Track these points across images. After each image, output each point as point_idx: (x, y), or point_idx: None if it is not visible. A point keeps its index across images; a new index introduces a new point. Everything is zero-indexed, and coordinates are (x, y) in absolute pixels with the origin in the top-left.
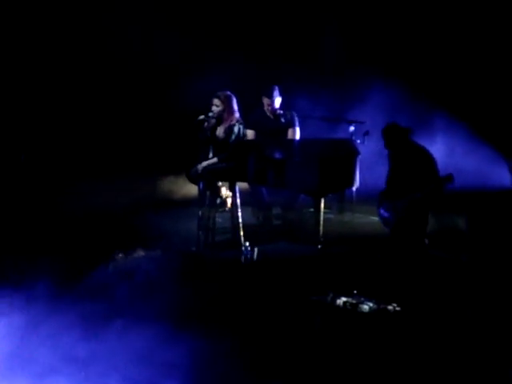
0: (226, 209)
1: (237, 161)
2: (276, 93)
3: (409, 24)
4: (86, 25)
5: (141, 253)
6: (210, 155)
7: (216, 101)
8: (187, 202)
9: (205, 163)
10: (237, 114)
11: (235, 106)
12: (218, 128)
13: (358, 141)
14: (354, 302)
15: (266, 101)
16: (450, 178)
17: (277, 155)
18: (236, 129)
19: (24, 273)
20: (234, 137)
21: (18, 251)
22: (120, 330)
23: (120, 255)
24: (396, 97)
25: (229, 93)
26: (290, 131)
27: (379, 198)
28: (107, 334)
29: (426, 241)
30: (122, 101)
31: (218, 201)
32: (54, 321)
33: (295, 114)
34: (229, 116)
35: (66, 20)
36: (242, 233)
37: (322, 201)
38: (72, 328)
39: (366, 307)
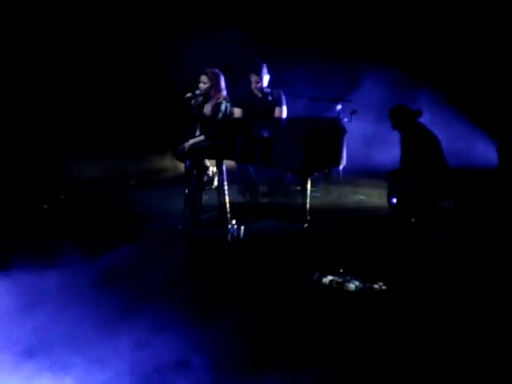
0: (213, 187)
1: (224, 139)
2: (264, 70)
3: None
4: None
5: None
6: (197, 133)
7: (203, 78)
8: (174, 180)
9: (192, 141)
10: (224, 92)
11: (223, 84)
12: (206, 106)
13: (345, 119)
14: (340, 280)
15: (254, 78)
16: None
17: (264, 133)
18: (223, 106)
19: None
20: (221, 115)
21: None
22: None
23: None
24: (384, 77)
25: (217, 70)
26: (277, 109)
27: (390, 179)
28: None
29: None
30: (109, 76)
31: (205, 179)
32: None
33: (282, 93)
34: (216, 93)
35: None
36: (228, 211)
37: (309, 179)
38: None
39: (352, 286)
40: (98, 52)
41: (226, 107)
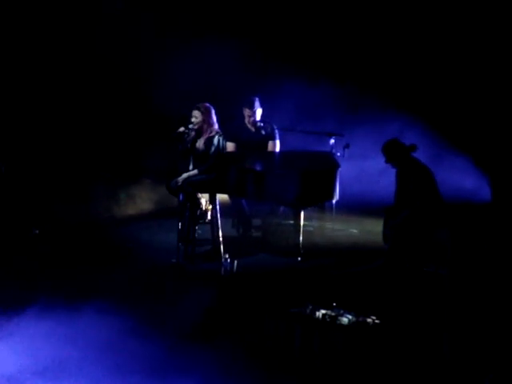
0: (206, 220)
1: (217, 173)
2: (257, 104)
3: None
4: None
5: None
6: (190, 167)
7: (196, 112)
8: (168, 214)
9: (185, 175)
10: (216, 126)
11: (214, 118)
12: (198, 140)
13: (338, 153)
14: (333, 314)
15: (246, 112)
16: None
17: (257, 167)
18: (216, 140)
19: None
20: (213, 148)
21: None
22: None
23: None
24: (378, 113)
25: (208, 104)
26: (270, 143)
27: (385, 215)
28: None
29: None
30: (99, 108)
31: (198, 212)
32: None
33: (275, 127)
34: (208, 127)
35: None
36: (222, 245)
37: (302, 213)
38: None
39: (345, 320)
40: (87, 82)
41: (219, 141)
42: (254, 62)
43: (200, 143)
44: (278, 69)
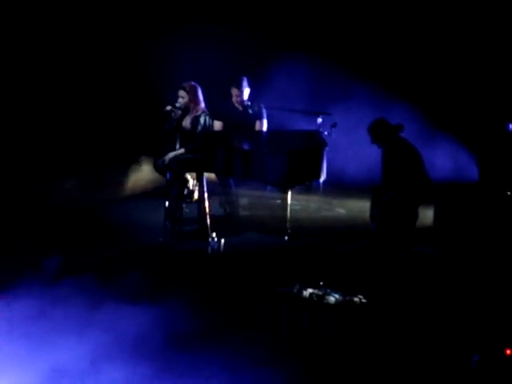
0: (194, 199)
1: (204, 152)
2: (245, 83)
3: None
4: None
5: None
6: (177, 146)
7: (182, 92)
8: (155, 193)
9: (172, 154)
10: (202, 104)
11: (201, 96)
12: (185, 119)
13: (326, 132)
14: (320, 293)
15: (234, 91)
16: None
17: (244, 147)
18: (202, 119)
19: None
20: (200, 128)
21: None
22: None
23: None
24: (361, 90)
25: (193, 83)
26: (257, 123)
27: (372, 194)
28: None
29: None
30: (85, 85)
31: (186, 191)
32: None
33: (263, 106)
34: (195, 106)
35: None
36: (209, 224)
37: (290, 192)
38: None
39: (332, 299)
40: (76, 61)
41: (205, 120)
42: (244, 42)
43: (186, 122)
44: (267, 48)
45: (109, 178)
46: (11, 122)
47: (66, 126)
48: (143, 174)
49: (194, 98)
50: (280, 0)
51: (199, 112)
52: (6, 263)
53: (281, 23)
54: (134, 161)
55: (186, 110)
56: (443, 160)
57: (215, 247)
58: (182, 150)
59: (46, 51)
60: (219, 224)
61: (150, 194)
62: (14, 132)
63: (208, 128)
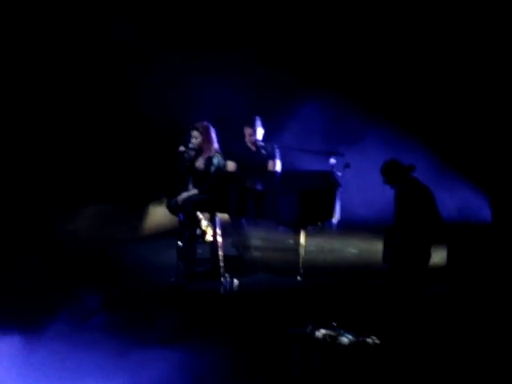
0: (206, 240)
1: (217, 192)
2: (258, 123)
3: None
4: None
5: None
6: (190, 186)
7: (195, 133)
8: (168, 233)
9: (185, 194)
10: (215, 145)
11: (214, 137)
12: (198, 159)
13: (339, 173)
14: (333, 334)
15: (247, 131)
16: None
17: (257, 187)
18: (215, 160)
19: None
20: (213, 168)
21: None
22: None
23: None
24: (375, 131)
25: (206, 123)
26: (270, 163)
27: (385, 235)
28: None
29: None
30: (101, 127)
31: (198, 232)
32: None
33: (276, 146)
34: (208, 146)
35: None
36: (222, 264)
37: (302, 232)
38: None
39: (345, 340)
40: (89, 100)
41: (219, 160)
42: (259, 83)
43: (200, 162)
44: (281, 87)
45: (124, 217)
46: (30, 156)
47: (82, 165)
48: (157, 214)
49: (207, 138)
50: (295, 40)
51: (212, 152)
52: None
53: (296, 64)
54: (155, 199)
55: (198, 150)
56: (456, 201)
57: (228, 287)
58: (194, 191)
59: (68, 87)
60: (232, 264)
61: (163, 235)
62: (32, 166)
63: (221, 168)
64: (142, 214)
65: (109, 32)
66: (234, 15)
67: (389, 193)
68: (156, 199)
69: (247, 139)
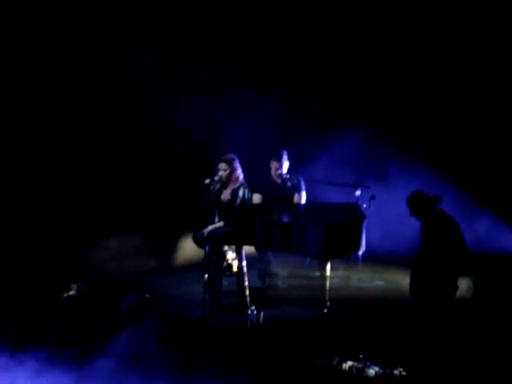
0: (233, 272)
1: (243, 225)
2: (285, 157)
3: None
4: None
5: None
6: (216, 219)
7: (223, 165)
8: (194, 266)
9: (211, 227)
10: (241, 177)
11: (239, 169)
12: (224, 191)
13: (364, 205)
14: (359, 366)
15: (274, 165)
16: None
17: (284, 219)
18: (241, 192)
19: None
20: (239, 200)
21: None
22: None
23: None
24: (404, 165)
25: (233, 155)
26: (295, 195)
27: (412, 267)
28: None
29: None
30: (126, 157)
31: (224, 264)
32: None
33: (301, 179)
34: (234, 179)
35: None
36: (248, 296)
37: (328, 265)
38: None
39: (371, 371)
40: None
41: (244, 193)
42: (286, 116)
43: (225, 195)
44: (309, 120)
45: (154, 249)
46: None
47: (112, 195)
48: (187, 247)
49: (233, 170)
50: (324, 74)
51: (238, 184)
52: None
53: (324, 97)
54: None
55: (225, 183)
56: (483, 232)
57: (254, 320)
58: (220, 223)
59: (89, 115)
60: (258, 297)
61: (190, 267)
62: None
63: (247, 201)
64: (171, 246)
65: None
66: (264, 45)
67: (414, 225)
68: (185, 232)
69: (273, 172)
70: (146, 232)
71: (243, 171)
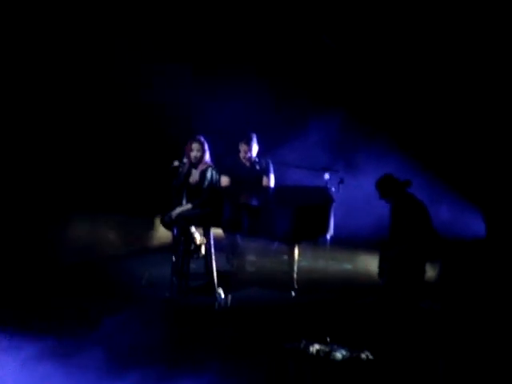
0: (200, 255)
1: (211, 207)
2: (254, 140)
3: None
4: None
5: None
6: (184, 201)
7: (196, 145)
8: (161, 248)
9: (179, 209)
10: (208, 159)
11: (207, 151)
12: (192, 173)
13: (333, 188)
14: (326, 349)
15: (243, 147)
16: None
17: (252, 202)
18: (209, 174)
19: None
20: (207, 182)
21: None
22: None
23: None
24: (368, 145)
25: (202, 137)
26: (264, 178)
27: (380, 249)
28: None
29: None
30: (98, 136)
31: (192, 247)
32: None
33: (270, 161)
34: (202, 160)
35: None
36: (215, 279)
37: (296, 248)
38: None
39: (339, 355)
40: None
41: (212, 174)
42: (256, 98)
43: (194, 177)
44: (279, 102)
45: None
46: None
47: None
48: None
49: (203, 152)
50: (294, 55)
51: (205, 166)
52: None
53: (295, 79)
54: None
55: (193, 164)
56: (450, 216)
57: (222, 303)
58: (188, 206)
59: (68, 95)
60: (226, 279)
61: (160, 250)
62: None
63: (215, 183)
64: (140, 228)
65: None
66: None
67: (382, 209)
68: (155, 214)
69: (242, 155)
70: (116, 213)
71: (211, 154)
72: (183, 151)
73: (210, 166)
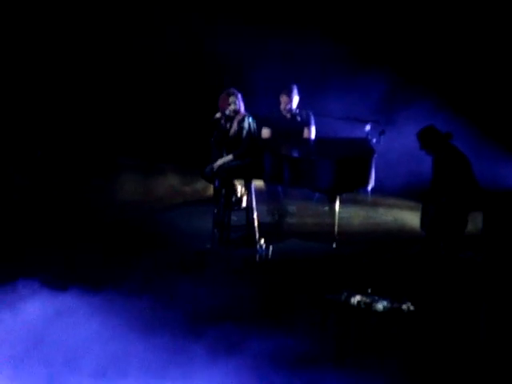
0: (242, 207)
1: (252, 157)
2: (295, 91)
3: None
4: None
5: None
6: (224, 153)
7: (233, 98)
8: (203, 200)
9: (220, 161)
10: (243, 109)
11: (242, 102)
12: (230, 125)
13: (374, 140)
14: (368, 300)
15: (284, 99)
16: None
17: (293, 154)
18: (246, 123)
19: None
20: (245, 132)
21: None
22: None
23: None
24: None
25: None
26: (305, 130)
27: (422, 201)
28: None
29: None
30: (138, 92)
31: (234, 199)
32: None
33: (311, 113)
34: (240, 112)
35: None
36: (257, 231)
37: (337, 200)
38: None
39: (380, 306)
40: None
41: (249, 123)
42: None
43: (232, 128)
44: (318, 55)
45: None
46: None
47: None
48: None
49: (241, 105)
50: (343, 11)
51: (242, 116)
52: None
53: (340, 33)
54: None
55: (229, 117)
56: (493, 169)
57: (263, 254)
58: (229, 157)
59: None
60: (267, 231)
61: (198, 202)
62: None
63: (253, 132)
64: (183, 180)
65: None
66: None
67: (426, 159)
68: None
69: (282, 107)
70: (154, 167)
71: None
72: (220, 104)
73: (246, 115)
